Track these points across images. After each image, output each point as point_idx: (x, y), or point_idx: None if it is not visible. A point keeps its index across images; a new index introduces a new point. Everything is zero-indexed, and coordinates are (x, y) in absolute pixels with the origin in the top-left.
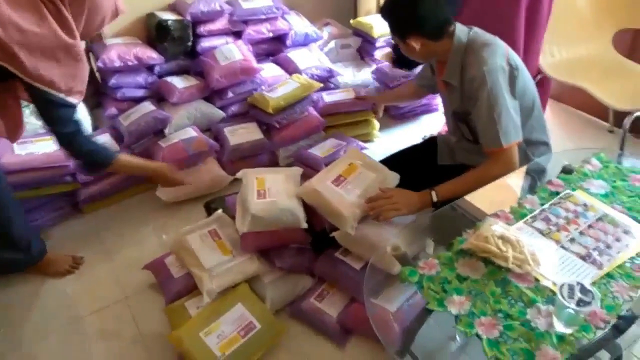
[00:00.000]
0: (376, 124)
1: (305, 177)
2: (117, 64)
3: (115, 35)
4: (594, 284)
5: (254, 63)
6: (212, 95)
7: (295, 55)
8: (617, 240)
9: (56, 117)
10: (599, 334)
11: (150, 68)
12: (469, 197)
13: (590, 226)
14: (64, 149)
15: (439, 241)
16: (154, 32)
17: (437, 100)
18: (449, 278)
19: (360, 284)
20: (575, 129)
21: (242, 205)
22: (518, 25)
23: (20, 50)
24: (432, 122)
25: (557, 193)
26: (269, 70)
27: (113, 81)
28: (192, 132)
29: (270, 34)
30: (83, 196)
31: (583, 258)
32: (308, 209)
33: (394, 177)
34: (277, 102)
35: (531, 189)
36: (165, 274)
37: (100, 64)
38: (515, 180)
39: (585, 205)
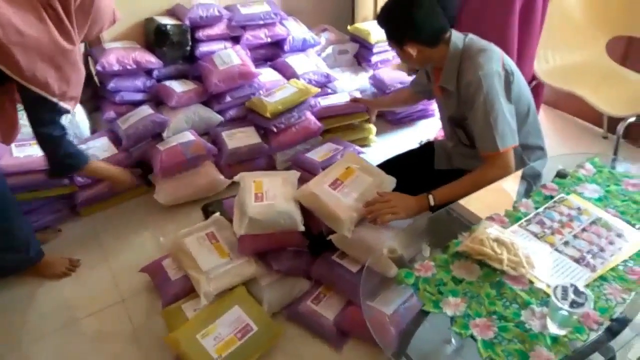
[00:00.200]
0: (373, 128)
1: (302, 180)
2: (116, 67)
3: (114, 39)
4: (587, 286)
5: (252, 68)
6: (210, 99)
7: (293, 60)
8: (611, 243)
9: (47, 119)
10: (592, 336)
11: (149, 72)
12: (464, 202)
13: (584, 229)
14: (46, 151)
15: (435, 244)
16: (153, 37)
17: (434, 106)
18: (445, 280)
19: (357, 286)
20: (571, 135)
21: (239, 208)
22: (512, 34)
23: (17, 52)
24: (429, 128)
25: (552, 197)
26: (266, 75)
27: (112, 85)
28: (190, 136)
29: (268, 39)
30: (80, 199)
31: (577, 261)
32: (305, 212)
33: (390, 181)
34: (275, 106)
35: (526, 193)
36: (163, 276)
37: (99, 68)
38: (511, 184)
39: (579, 209)
